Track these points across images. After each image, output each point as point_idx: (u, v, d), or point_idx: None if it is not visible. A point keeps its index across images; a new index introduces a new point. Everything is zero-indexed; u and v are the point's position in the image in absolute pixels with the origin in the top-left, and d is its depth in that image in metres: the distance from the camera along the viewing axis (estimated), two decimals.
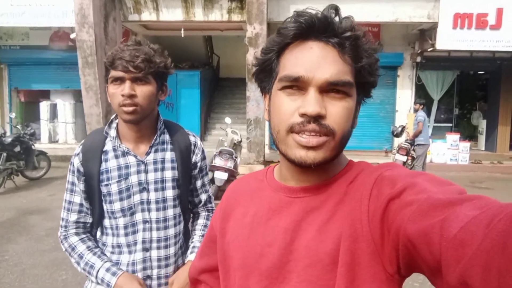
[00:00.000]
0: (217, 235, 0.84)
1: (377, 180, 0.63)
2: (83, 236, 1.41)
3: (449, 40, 9.15)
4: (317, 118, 0.63)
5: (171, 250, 1.43)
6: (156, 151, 1.40)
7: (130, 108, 1.27)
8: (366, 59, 0.65)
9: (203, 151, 1.54)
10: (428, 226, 0.49)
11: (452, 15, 8.99)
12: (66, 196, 1.41)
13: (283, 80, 0.66)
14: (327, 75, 0.63)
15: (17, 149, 7.49)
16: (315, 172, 0.69)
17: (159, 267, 1.41)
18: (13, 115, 9.47)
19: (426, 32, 10.17)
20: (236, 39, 12.18)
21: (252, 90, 8.56)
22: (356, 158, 0.77)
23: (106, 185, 1.35)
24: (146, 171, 1.37)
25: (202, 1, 9.17)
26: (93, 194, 1.37)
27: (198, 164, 1.52)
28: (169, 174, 1.41)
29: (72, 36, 9.00)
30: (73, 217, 1.40)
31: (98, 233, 1.45)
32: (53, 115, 12.46)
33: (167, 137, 1.45)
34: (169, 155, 1.43)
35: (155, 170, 1.39)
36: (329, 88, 0.64)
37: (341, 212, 0.64)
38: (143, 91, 1.29)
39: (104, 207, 1.38)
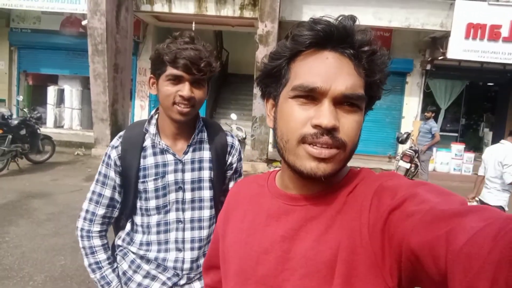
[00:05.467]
0: (219, 237, 0.84)
1: (377, 191, 0.62)
2: (105, 241, 1.40)
3: (460, 49, 9.10)
4: (331, 131, 0.61)
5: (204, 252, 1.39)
6: (194, 150, 1.38)
7: (186, 110, 1.26)
8: (379, 74, 0.65)
9: (240, 153, 1.50)
10: (433, 238, 0.48)
11: (465, 25, 8.93)
12: (95, 188, 1.36)
13: (297, 89, 0.64)
14: (343, 88, 0.62)
15: (23, 132, 7.52)
16: (319, 181, 0.67)
17: (191, 269, 1.38)
18: (21, 98, 9.54)
19: (438, 40, 10.11)
20: (246, 36, 12.16)
21: None
22: (359, 162, 0.76)
23: (143, 182, 1.33)
24: (183, 171, 1.35)
25: None
26: (129, 190, 1.35)
27: (234, 166, 1.48)
28: (206, 174, 1.39)
29: (84, 22, 9.03)
30: (101, 211, 1.37)
31: (128, 227, 1.42)
32: (60, 100, 12.53)
33: (205, 135, 1.42)
34: (207, 154, 1.40)
35: (192, 169, 1.37)
36: (343, 101, 0.63)
37: (340, 222, 0.63)
38: (199, 94, 1.28)
39: (138, 204, 1.36)
